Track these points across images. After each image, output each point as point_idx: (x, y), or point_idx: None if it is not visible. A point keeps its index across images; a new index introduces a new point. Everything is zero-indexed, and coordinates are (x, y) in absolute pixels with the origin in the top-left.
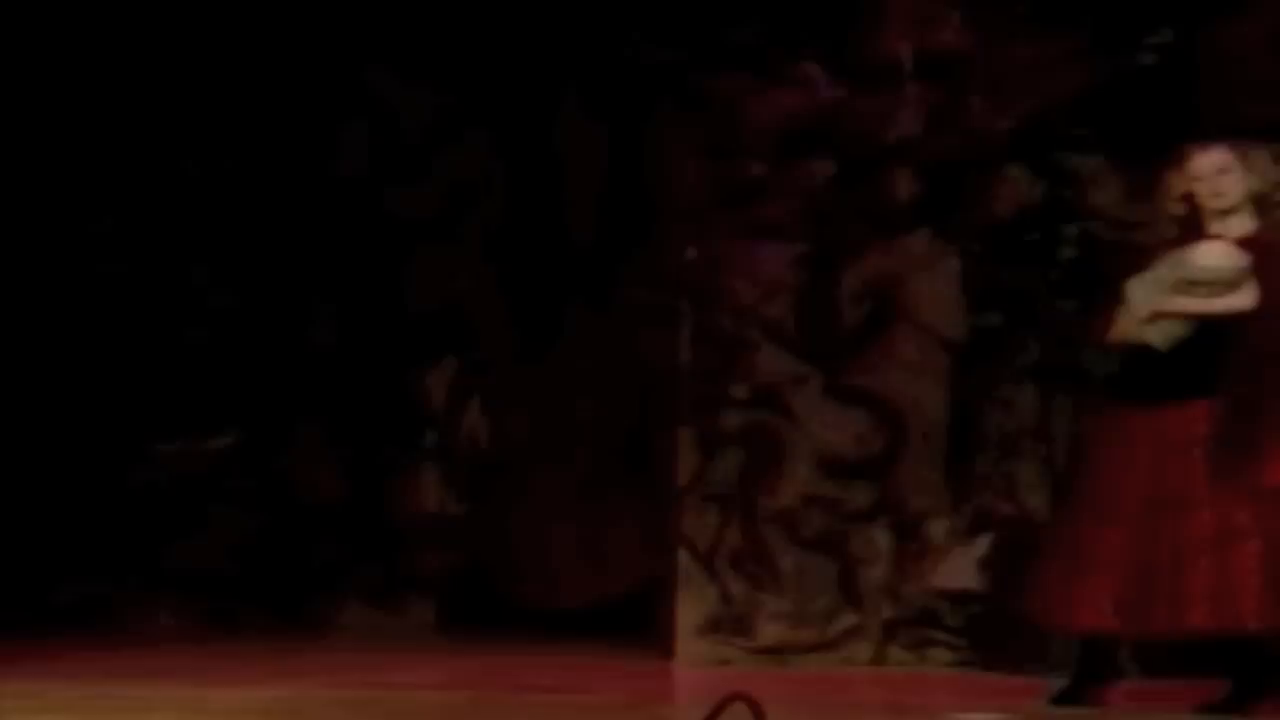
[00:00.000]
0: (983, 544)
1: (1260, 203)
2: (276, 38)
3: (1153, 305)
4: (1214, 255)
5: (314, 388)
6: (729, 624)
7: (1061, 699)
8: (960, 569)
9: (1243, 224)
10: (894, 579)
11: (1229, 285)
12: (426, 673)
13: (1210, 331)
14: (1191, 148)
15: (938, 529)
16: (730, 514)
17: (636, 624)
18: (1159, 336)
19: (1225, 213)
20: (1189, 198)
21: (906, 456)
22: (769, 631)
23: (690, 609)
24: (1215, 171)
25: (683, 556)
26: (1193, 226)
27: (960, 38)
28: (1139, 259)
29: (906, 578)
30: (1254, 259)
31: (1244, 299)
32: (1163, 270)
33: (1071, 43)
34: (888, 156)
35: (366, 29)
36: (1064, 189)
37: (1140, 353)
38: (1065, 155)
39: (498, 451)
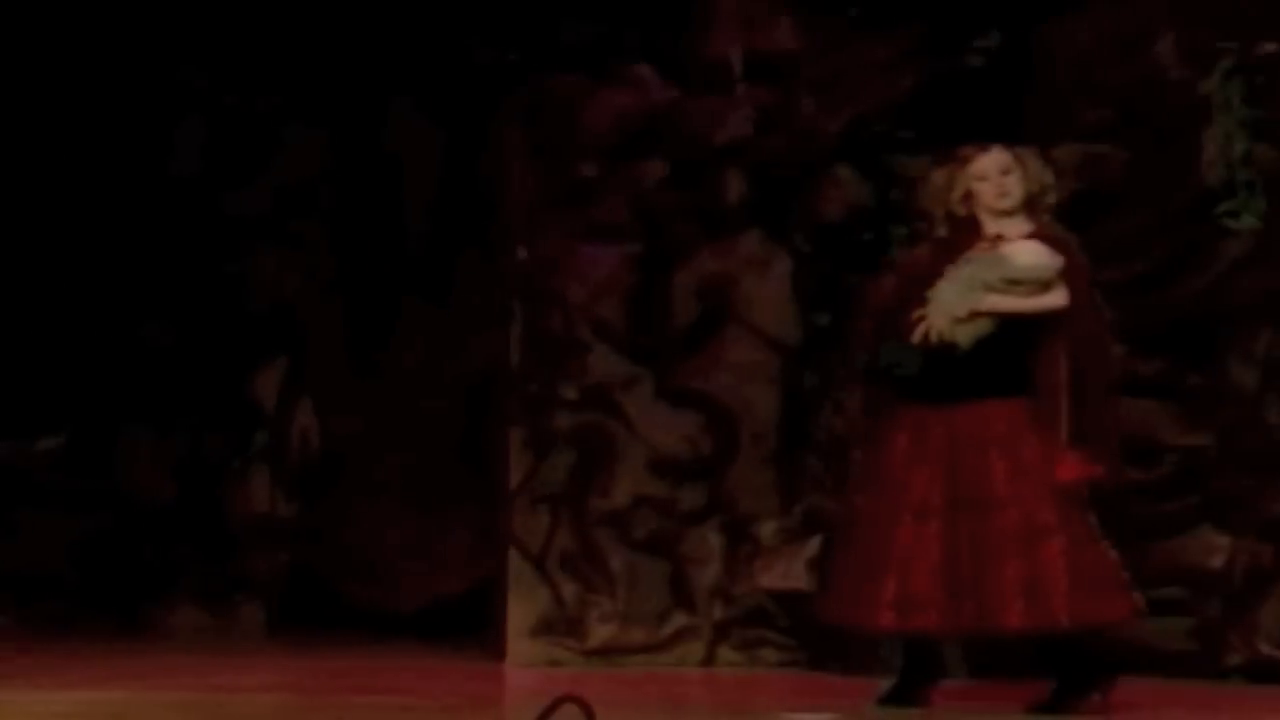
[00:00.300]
0: (813, 545)
1: (1031, 204)
2: (111, 36)
3: (971, 305)
4: (1032, 254)
5: (145, 388)
6: (560, 625)
7: (889, 699)
8: (790, 570)
9: (1019, 225)
10: (725, 580)
11: (1047, 284)
12: (258, 674)
13: (1010, 330)
14: (970, 148)
15: (768, 530)
16: (561, 515)
17: (470, 625)
18: (966, 336)
19: (1007, 213)
20: (969, 197)
21: (737, 457)
22: (600, 632)
23: (521, 610)
24: (999, 171)
25: (514, 558)
26: (968, 227)
27: (791, 40)
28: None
29: (737, 578)
30: (1068, 249)
31: (1059, 298)
32: (976, 270)
33: (901, 45)
34: (719, 157)
35: (201, 28)
36: (892, 190)
37: (943, 352)
38: (894, 157)
39: (330, 452)
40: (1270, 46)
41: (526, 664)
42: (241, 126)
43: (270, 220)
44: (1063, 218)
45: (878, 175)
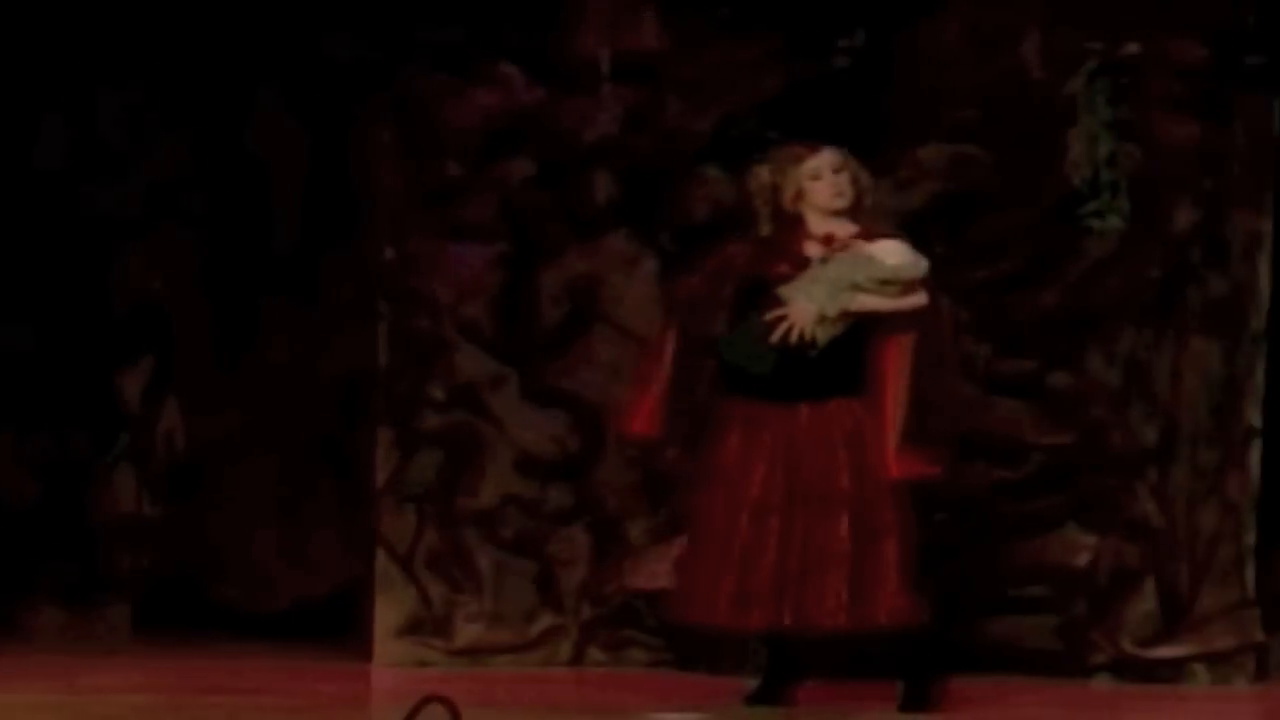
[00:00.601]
0: (680, 544)
1: (857, 204)
2: None
3: (843, 305)
4: (900, 254)
5: (7, 387)
6: (428, 625)
7: (755, 699)
8: (658, 569)
9: (845, 225)
10: (593, 580)
11: (913, 284)
12: (123, 676)
13: (855, 329)
14: (801, 147)
15: (636, 529)
16: (428, 515)
17: (338, 626)
18: (825, 336)
19: (838, 212)
20: (800, 196)
21: (605, 457)
22: (467, 632)
23: (388, 610)
24: (833, 170)
25: (380, 558)
26: (791, 226)
27: (658, 40)
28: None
29: (605, 578)
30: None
31: (921, 297)
32: (844, 270)
33: (767, 45)
34: (586, 157)
35: (64, 22)
36: None
37: (798, 352)
38: (761, 157)
39: (196, 452)
40: (1134, 48)
41: (393, 664)
42: (106, 123)
43: (135, 219)
44: (928, 218)
45: (745, 175)
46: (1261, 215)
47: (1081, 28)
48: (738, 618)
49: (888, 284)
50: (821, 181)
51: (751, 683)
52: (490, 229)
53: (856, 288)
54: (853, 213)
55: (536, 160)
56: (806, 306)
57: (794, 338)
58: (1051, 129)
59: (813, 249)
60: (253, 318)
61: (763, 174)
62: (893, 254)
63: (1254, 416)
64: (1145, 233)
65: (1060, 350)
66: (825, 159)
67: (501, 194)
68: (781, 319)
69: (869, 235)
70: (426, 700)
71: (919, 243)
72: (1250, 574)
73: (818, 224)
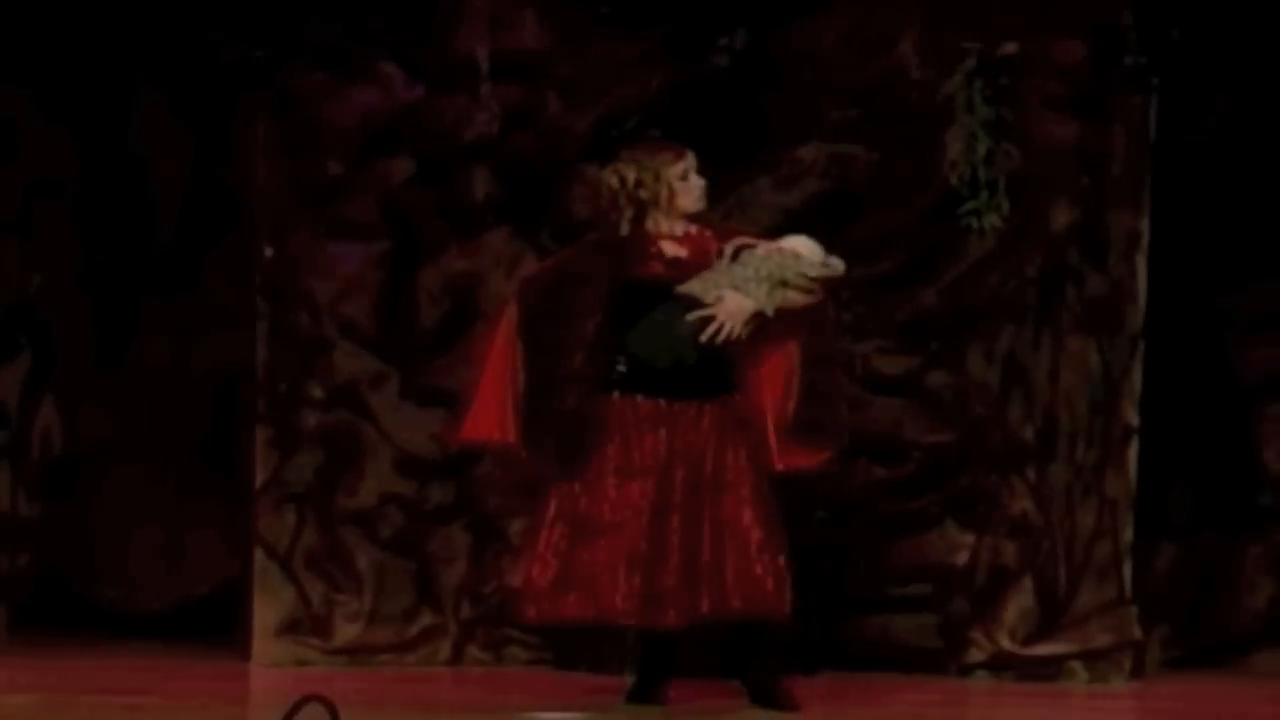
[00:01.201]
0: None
1: None
2: None
3: (777, 303)
4: (818, 250)
5: None
6: (306, 624)
7: (633, 697)
8: None
9: (684, 224)
10: (472, 578)
11: (837, 277)
12: (1, 676)
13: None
14: (664, 149)
15: (516, 528)
16: (308, 514)
17: (218, 626)
18: (745, 334)
19: (689, 214)
20: (671, 196)
21: (484, 456)
22: (347, 632)
23: (267, 610)
24: (694, 171)
25: (259, 557)
26: (646, 224)
27: (538, 38)
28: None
29: (485, 577)
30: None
31: (821, 293)
32: (771, 267)
33: (648, 44)
34: (466, 156)
35: None
36: None
37: (716, 351)
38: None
39: (74, 451)
40: (1012, 47)
41: (272, 664)
42: None
43: (14, 216)
44: (809, 217)
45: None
46: (1139, 214)
47: (960, 28)
48: (651, 617)
49: (815, 281)
50: (688, 183)
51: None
52: (370, 228)
53: (786, 285)
54: (699, 215)
55: (416, 159)
56: (744, 304)
57: (723, 336)
58: (930, 128)
59: (671, 248)
60: (132, 316)
61: (627, 172)
62: (814, 251)
63: (1132, 415)
64: (1024, 232)
65: (939, 349)
66: (690, 161)
67: (381, 192)
68: (709, 318)
69: (724, 233)
70: (305, 700)
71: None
72: (1128, 572)
73: (670, 224)
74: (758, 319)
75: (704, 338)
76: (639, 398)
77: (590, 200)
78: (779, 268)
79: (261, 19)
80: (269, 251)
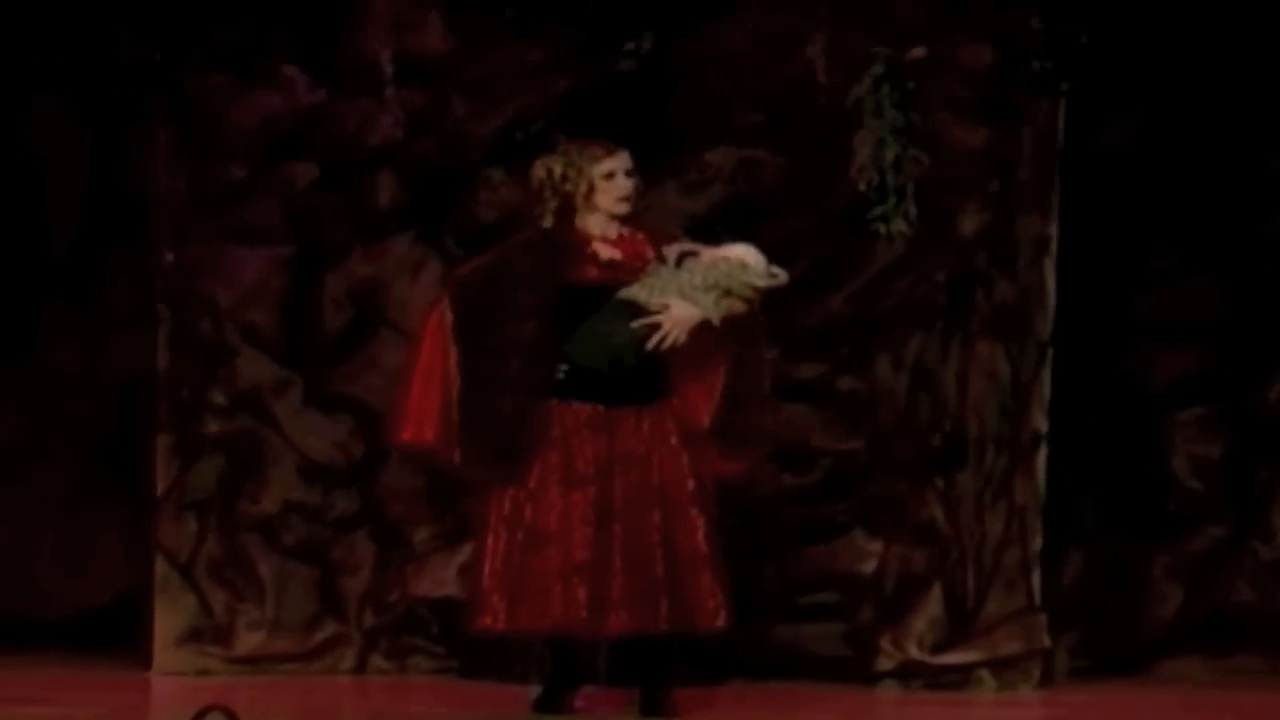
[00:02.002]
0: (465, 551)
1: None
2: None
3: (724, 312)
4: (760, 258)
5: None
6: (208, 633)
7: (541, 705)
8: (443, 576)
9: (618, 226)
10: (376, 587)
11: (781, 286)
12: None
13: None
14: (596, 146)
15: (421, 536)
16: (210, 522)
17: (120, 635)
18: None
19: (618, 216)
20: (590, 192)
21: (389, 463)
22: (249, 640)
23: (168, 618)
24: (624, 173)
25: (161, 565)
26: (577, 225)
27: (442, 41)
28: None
29: (389, 586)
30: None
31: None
32: (718, 275)
33: (555, 48)
34: (370, 160)
35: None
36: None
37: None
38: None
39: None
40: (921, 52)
41: (173, 673)
42: None
43: None
44: (716, 222)
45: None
46: (1048, 220)
47: (868, 32)
48: (591, 626)
49: (758, 291)
50: (613, 183)
51: (537, 690)
52: (273, 232)
53: (730, 294)
54: (632, 217)
55: (319, 163)
56: (691, 313)
57: (668, 344)
58: (838, 133)
59: (606, 250)
60: (32, 321)
61: (554, 165)
62: (756, 258)
63: (1041, 422)
64: (932, 237)
65: (848, 355)
66: (620, 161)
67: (284, 197)
68: (655, 325)
69: (659, 236)
70: (207, 709)
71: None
72: (1037, 580)
73: (602, 225)
74: (701, 327)
75: (650, 345)
76: (578, 404)
77: (494, 205)
78: (725, 276)
79: (163, 21)
80: (170, 256)
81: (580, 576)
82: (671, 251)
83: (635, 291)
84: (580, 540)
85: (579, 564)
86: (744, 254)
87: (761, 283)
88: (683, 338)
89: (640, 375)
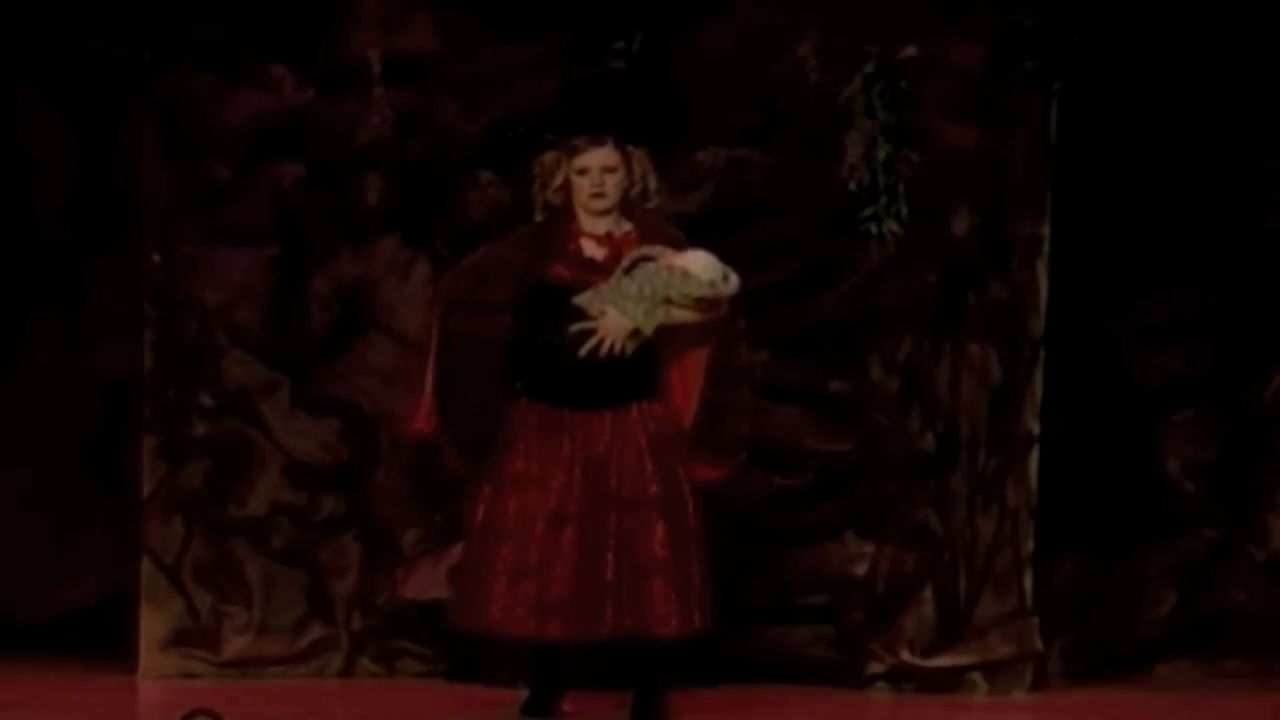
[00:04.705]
0: (454, 553)
1: (628, 204)
2: None
3: (659, 321)
4: (711, 268)
5: None
6: (195, 637)
7: (527, 710)
8: (431, 579)
9: (614, 223)
10: (364, 589)
11: (723, 298)
12: None
13: (655, 336)
14: (583, 139)
15: (409, 538)
16: (196, 524)
17: (105, 638)
18: (633, 348)
19: (600, 213)
20: (567, 188)
21: (378, 465)
22: (236, 644)
23: (154, 622)
24: (601, 168)
25: (146, 568)
26: (563, 219)
27: (431, 41)
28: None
29: (377, 588)
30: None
31: (723, 307)
32: (656, 284)
33: (544, 47)
34: (358, 160)
35: None
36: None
37: (607, 363)
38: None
39: None
40: (912, 51)
41: (159, 676)
42: None
43: None
44: (706, 222)
45: (520, 178)
46: (1040, 220)
47: (859, 31)
48: (538, 628)
49: (701, 300)
50: (586, 178)
51: (525, 694)
52: (260, 232)
53: (670, 303)
54: (629, 211)
55: (307, 162)
56: (622, 322)
57: (604, 352)
58: (829, 133)
59: (590, 248)
60: (19, 322)
61: (545, 159)
62: (706, 269)
63: (1033, 423)
64: (924, 238)
65: (839, 357)
66: (596, 156)
67: (271, 197)
68: (591, 331)
69: (650, 236)
70: (193, 713)
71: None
72: (1029, 582)
73: (590, 222)
74: (641, 335)
75: (583, 352)
76: (544, 404)
77: (484, 205)
78: (664, 286)
79: (149, 20)
80: (156, 257)
81: (526, 578)
82: (628, 256)
83: (584, 297)
84: (531, 541)
85: (527, 566)
86: (690, 262)
87: (698, 293)
88: (619, 346)
89: (607, 378)
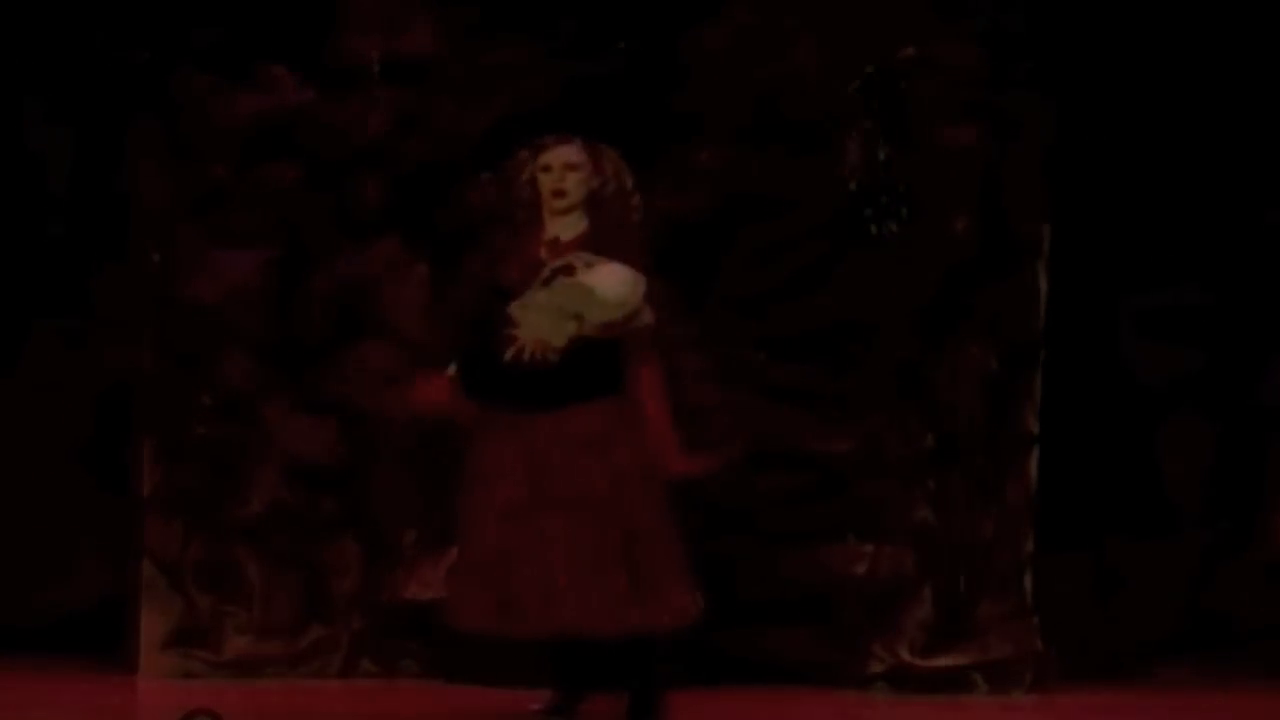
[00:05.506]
0: (453, 553)
1: (594, 203)
2: None
3: (567, 334)
4: (617, 285)
5: None
6: (195, 637)
7: (549, 714)
8: (431, 579)
9: (574, 223)
10: (364, 589)
11: (636, 312)
12: None
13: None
14: (550, 137)
15: (409, 539)
16: (196, 525)
17: (104, 638)
18: (558, 354)
19: (561, 211)
20: (533, 185)
21: (377, 466)
22: (236, 644)
23: (154, 622)
24: (563, 166)
25: (147, 568)
26: (535, 221)
27: (430, 41)
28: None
29: (377, 589)
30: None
31: (648, 315)
32: (564, 300)
33: (542, 47)
34: (357, 160)
35: None
36: None
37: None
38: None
39: None
40: (910, 52)
41: (160, 676)
42: None
43: None
44: (705, 223)
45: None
46: (1039, 220)
47: (858, 32)
48: (507, 625)
49: (603, 322)
50: (549, 175)
51: (524, 695)
52: (259, 233)
53: (580, 318)
54: (593, 210)
55: (306, 163)
56: (536, 331)
57: (525, 358)
58: (828, 133)
59: (545, 252)
60: (20, 322)
61: (520, 156)
62: (612, 288)
63: (1032, 423)
64: (922, 238)
65: (839, 357)
66: (559, 153)
67: (270, 198)
68: (514, 337)
69: (597, 242)
70: (193, 713)
71: (694, 248)
72: (1029, 582)
73: (550, 223)
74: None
75: (507, 357)
76: (498, 405)
77: (483, 205)
78: (570, 302)
79: (149, 21)
80: (156, 257)
81: (484, 576)
82: (549, 266)
83: (515, 303)
84: (486, 539)
85: (482, 563)
86: (599, 280)
87: (601, 317)
88: (540, 353)
89: (544, 381)
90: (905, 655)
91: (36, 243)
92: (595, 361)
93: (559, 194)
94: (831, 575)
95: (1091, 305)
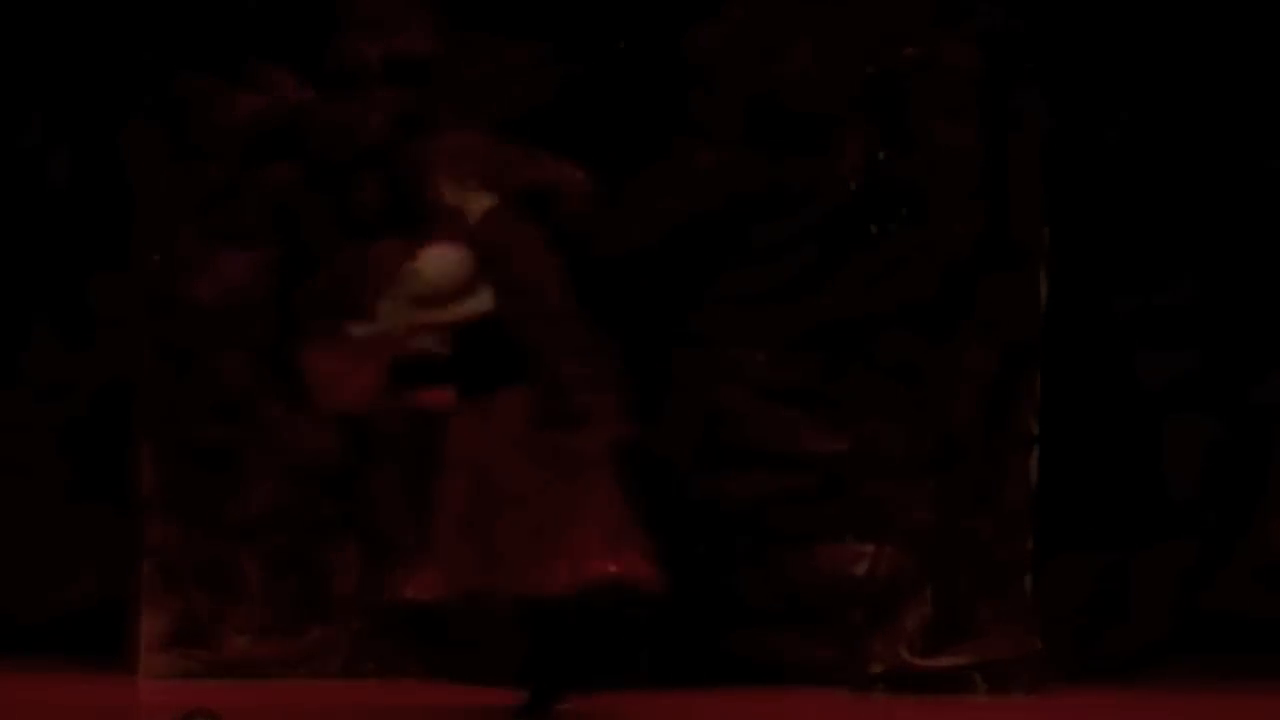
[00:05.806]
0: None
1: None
2: None
3: (408, 321)
4: (438, 265)
5: None
6: (195, 637)
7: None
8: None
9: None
10: (364, 590)
11: (464, 290)
12: None
13: (486, 325)
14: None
15: (408, 539)
16: (196, 525)
17: (104, 638)
18: (425, 342)
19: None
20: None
21: (375, 467)
22: (236, 644)
23: (154, 621)
24: (451, 156)
25: (147, 568)
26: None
27: (430, 42)
28: None
29: (376, 589)
30: (496, 237)
31: (484, 302)
32: (402, 285)
33: (541, 49)
34: (357, 161)
35: None
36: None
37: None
38: None
39: None
40: (910, 52)
41: (160, 676)
42: None
43: None
44: (705, 224)
45: None
46: (1038, 221)
47: (858, 32)
48: (470, 599)
49: (427, 300)
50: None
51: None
52: (260, 233)
53: (415, 302)
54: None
55: (307, 163)
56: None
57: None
58: (827, 135)
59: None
60: (20, 323)
61: (436, 154)
62: (432, 267)
63: (1031, 423)
64: (922, 239)
65: (839, 357)
66: (449, 141)
67: (270, 198)
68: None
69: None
70: (192, 712)
71: (694, 248)
72: (1028, 582)
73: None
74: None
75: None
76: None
77: None
78: (404, 284)
79: (150, 21)
80: (156, 257)
81: (445, 555)
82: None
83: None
84: (447, 521)
85: (433, 541)
86: (421, 261)
87: (420, 292)
88: (421, 344)
89: (487, 364)
90: (905, 655)
91: (36, 243)
92: (499, 347)
93: (457, 181)
94: (831, 575)
95: (1091, 305)
